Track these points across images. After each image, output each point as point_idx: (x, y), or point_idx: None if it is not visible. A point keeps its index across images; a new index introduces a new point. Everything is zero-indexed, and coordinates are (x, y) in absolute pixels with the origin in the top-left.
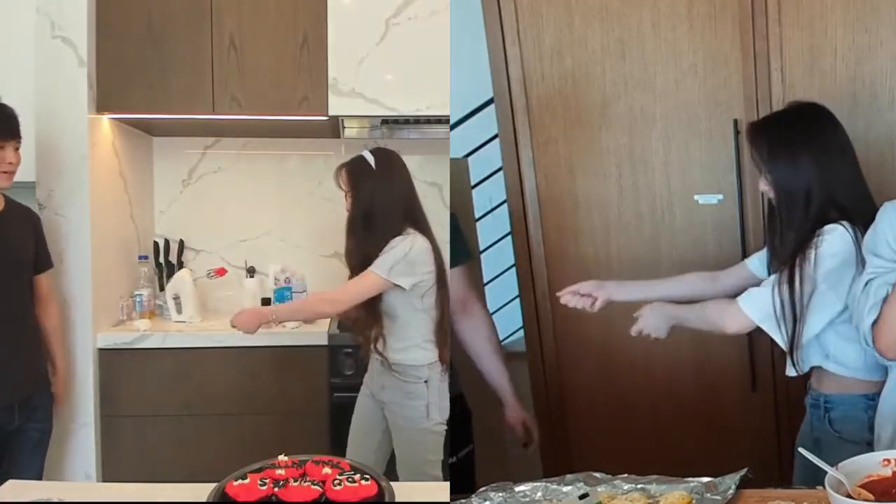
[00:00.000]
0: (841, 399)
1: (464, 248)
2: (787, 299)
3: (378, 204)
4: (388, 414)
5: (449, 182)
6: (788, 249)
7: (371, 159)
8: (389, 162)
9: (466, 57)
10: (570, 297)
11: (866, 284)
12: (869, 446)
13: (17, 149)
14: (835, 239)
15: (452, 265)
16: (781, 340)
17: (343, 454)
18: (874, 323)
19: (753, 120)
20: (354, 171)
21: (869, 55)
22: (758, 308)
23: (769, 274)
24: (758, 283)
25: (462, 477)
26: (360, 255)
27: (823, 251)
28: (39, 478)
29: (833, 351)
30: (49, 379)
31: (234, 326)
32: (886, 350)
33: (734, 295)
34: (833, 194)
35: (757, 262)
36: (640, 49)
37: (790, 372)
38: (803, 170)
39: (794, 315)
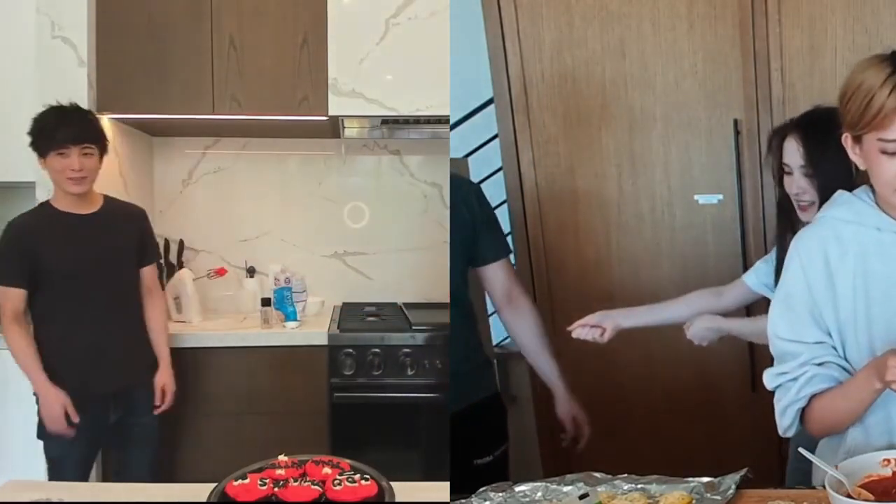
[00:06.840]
0: None
1: (505, 243)
2: None
3: None
4: None
5: (449, 182)
6: None
7: None
8: None
9: (466, 57)
10: (580, 330)
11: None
12: None
13: (86, 154)
14: None
15: (494, 259)
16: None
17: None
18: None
19: (784, 122)
20: None
21: (869, 55)
22: None
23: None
24: (757, 299)
25: (497, 474)
26: None
27: None
28: (148, 473)
29: None
30: (153, 374)
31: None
32: (818, 434)
33: (737, 311)
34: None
35: (753, 277)
36: (640, 49)
37: None
38: (845, 168)
39: None
